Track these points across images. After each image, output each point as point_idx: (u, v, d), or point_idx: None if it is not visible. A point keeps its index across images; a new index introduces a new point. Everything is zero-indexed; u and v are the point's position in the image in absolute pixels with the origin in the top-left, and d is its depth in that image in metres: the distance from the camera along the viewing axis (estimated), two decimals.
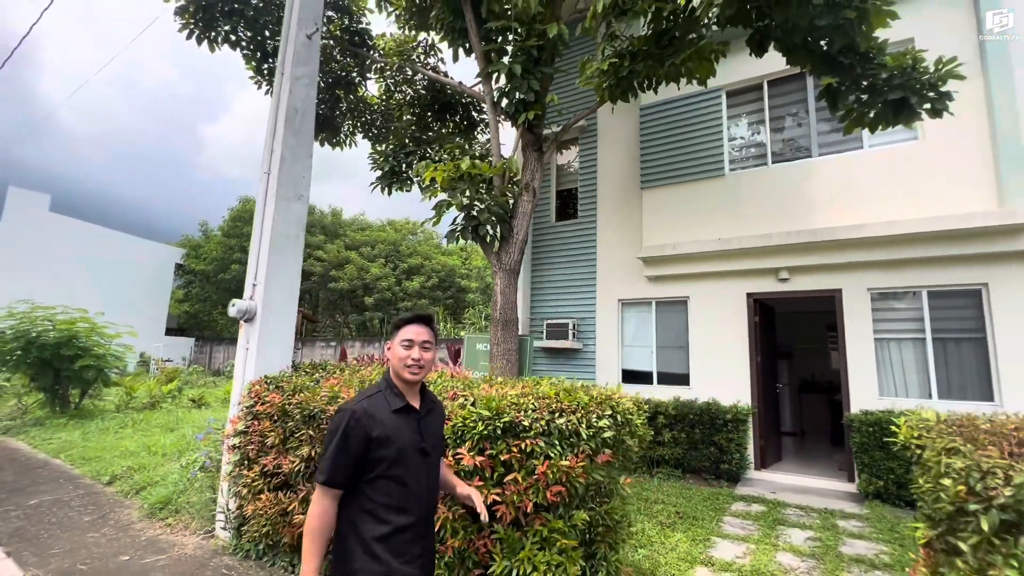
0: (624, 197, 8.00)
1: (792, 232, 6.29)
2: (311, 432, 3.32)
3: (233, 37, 6.65)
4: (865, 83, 4.45)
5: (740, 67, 6.84)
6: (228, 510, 3.91)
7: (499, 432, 2.53)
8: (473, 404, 2.68)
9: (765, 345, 7.09)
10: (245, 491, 3.64)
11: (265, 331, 4.24)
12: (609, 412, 2.72)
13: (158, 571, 3.47)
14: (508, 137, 13.86)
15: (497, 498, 2.49)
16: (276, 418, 3.56)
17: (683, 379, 7.14)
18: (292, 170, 4.57)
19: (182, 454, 6.05)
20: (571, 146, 8.95)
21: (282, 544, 3.51)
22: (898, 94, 4.21)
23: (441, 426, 1.94)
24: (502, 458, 2.51)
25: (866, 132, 5.59)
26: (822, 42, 4.23)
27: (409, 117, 8.17)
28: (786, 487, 5.97)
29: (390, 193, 6.95)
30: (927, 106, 4.28)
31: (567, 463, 2.44)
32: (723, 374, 6.78)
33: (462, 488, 2.05)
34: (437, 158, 7.07)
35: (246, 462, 3.71)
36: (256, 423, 3.69)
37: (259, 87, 7.39)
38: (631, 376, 7.66)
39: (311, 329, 24.31)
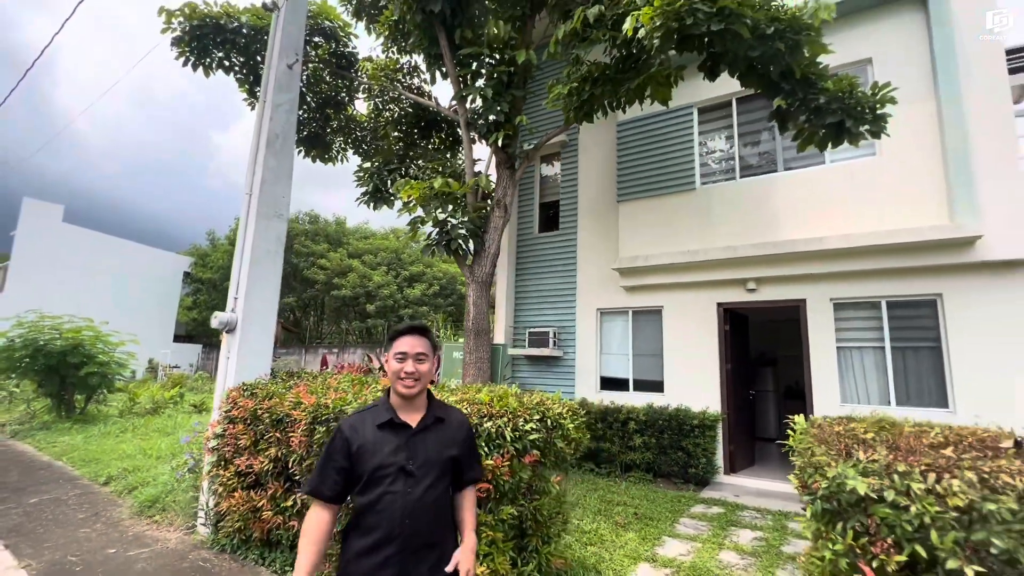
0: (603, 209, 8.28)
1: (758, 244, 6.53)
2: (278, 435, 3.62)
3: (227, 63, 7.06)
4: (812, 105, 4.71)
5: (710, 86, 7.07)
6: (207, 507, 4.22)
7: None
8: None
9: (736, 353, 7.31)
10: (221, 489, 3.95)
11: (245, 341, 4.57)
12: (538, 417, 2.99)
13: (141, 562, 3.78)
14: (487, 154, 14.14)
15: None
16: (249, 422, 3.87)
17: (658, 386, 7.37)
18: (273, 190, 4.91)
19: (175, 456, 6.37)
20: (554, 160, 9.26)
21: (253, 538, 3.81)
22: (837, 117, 4.47)
23: (446, 446, 1.71)
24: None
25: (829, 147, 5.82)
26: (762, 68, 4.50)
27: (397, 134, 8.54)
28: (752, 491, 6.17)
29: (375, 209, 7.31)
30: (865, 127, 4.52)
31: (492, 462, 2.72)
32: (695, 381, 7.01)
33: (465, 536, 1.76)
34: (420, 175, 7.42)
35: (223, 462, 4.03)
36: (232, 427, 4.00)
37: (252, 108, 7.81)
38: (609, 383, 7.89)
39: (292, 338, 24.85)
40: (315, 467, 1.68)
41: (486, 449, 2.75)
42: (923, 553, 1.60)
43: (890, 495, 1.68)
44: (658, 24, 3.90)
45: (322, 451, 1.69)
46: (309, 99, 8.01)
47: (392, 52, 7.51)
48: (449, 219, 5.67)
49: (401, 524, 1.57)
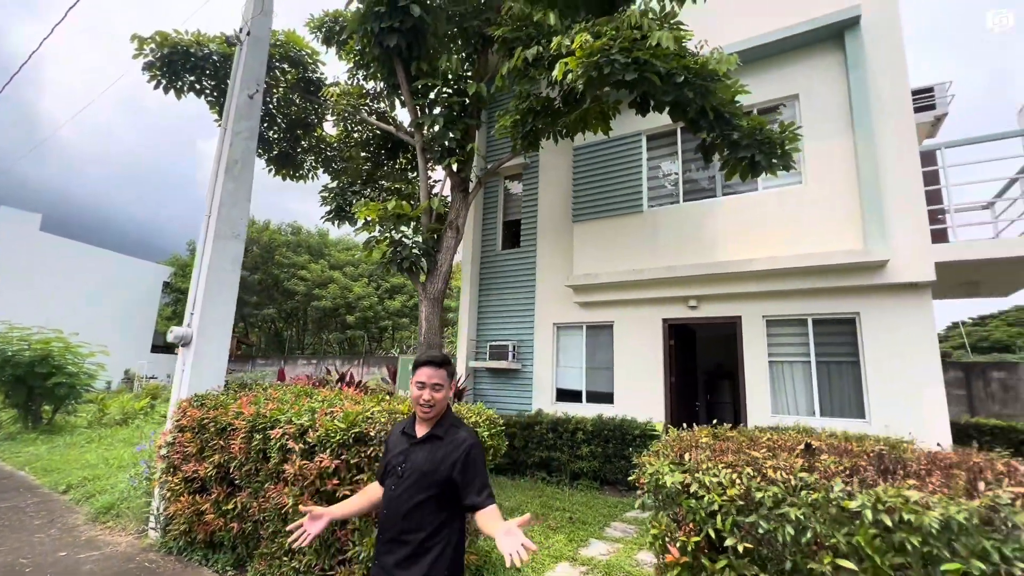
0: (560, 228, 8.70)
1: (697, 264, 6.97)
2: (222, 443, 3.90)
3: (198, 87, 7.38)
4: (729, 140, 5.17)
5: (658, 115, 7.59)
6: (158, 512, 4.47)
7: (351, 440, 3.14)
8: (337, 419, 3.28)
9: (682, 366, 7.72)
10: (169, 494, 4.20)
11: (199, 354, 4.85)
12: None
13: (89, 564, 4.01)
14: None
15: (349, 494, 3.09)
16: (196, 431, 4.15)
17: (608, 398, 7.74)
18: (230, 213, 5.23)
19: (135, 466, 6.57)
20: (518, 180, 9.69)
21: (197, 540, 4.07)
22: (749, 152, 4.93)
23: (434, 460, 1.85)
24: (353, 461, 3.11)
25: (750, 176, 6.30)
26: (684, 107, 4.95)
27: (365, 154, 8.90)
28: None
29: (339, 227, 7.66)
30: (774, 161, 4.99)
31: None
32: (642, 393, 7.39)
33: (500, 529, 1.65)
34: (377, 197, 7.78)
35: (172, 469, 4.29)
36: (181, 435, 4.27)
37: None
38: (565, 395, 8.24)
39: (247, 352, 25.03)
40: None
41: None
42: (712, 534, 1.97)
43: (693, 488, 2.05)
44: (580, 72, 4.33)
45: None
46: (279, 120, 8.36)
47: (358, 79, 7.92)
48: (404, 239, 6.02)
49: (386, 516, 1.87)
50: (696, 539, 2.00)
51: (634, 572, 4.04)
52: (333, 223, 7.80)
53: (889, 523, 1.65)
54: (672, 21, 5.71)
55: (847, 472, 2.01)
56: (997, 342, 31.80)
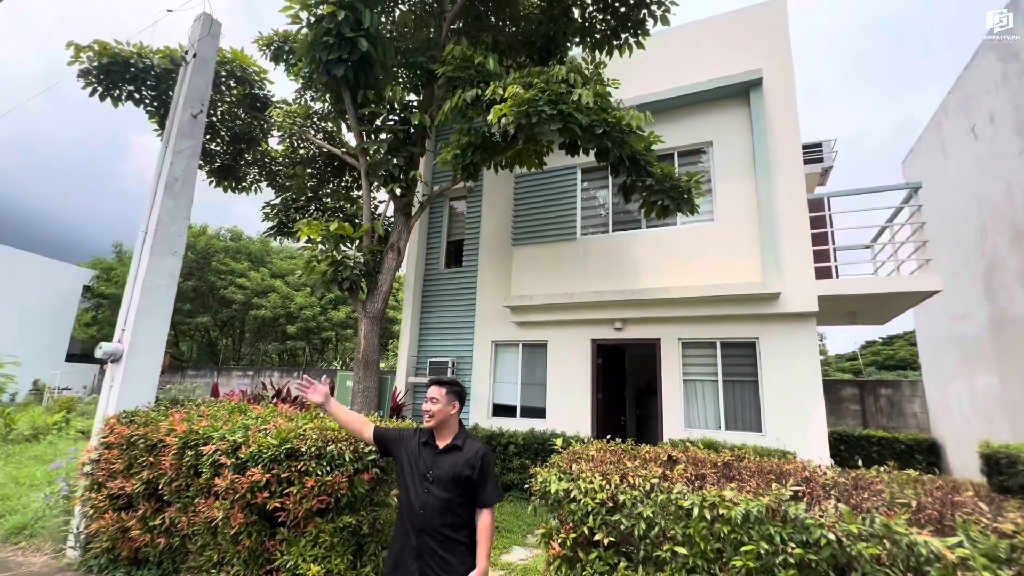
0: (501, 251, 9.15)
1: (622, 290, 7.60)
2: (151, 459, 3.99)
3: (137, 96, 7.29)
4: (645, 183, 5.81)
5: None
6: (78, 531, 4.42)
7: (283, 456, 3.37)
8: (269, 436, 3.50)
9: (609, 383, 8.31)
10: (92, 512, 4.20)
11: (130, 370, 4.86)
12: None
13: None
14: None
15: (280, 507, 3.31)
16: (124, 447, 4.19)
17: (541, 412, 8.20)
18: (169, 230, 5.29)
19: (51, 484, 6.31)
20: (463, 200, 10.09)
21: (121, 557, 4.10)
22: (659, 197, 5.57)
23: (459, 466, 2.28)
24: (284, 475, 3.34)
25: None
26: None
27: (310, 171, 9.01)
28: None
29: (280, 243, 7.72)
30: (680, 206, 5.66)
31: (331, 479, 3.31)
32: (571, 408, 7.90)
33: (479, 561, 2.22)
34: (320, 217, 7.93)
35: (96, 486, 4.29)
36: (107, 452, 4.29)
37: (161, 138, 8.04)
38: (501, 410, 8.62)
39: (178, 366, 24.11)
40: (394, 428, 2.75)
41: (328, 468, 3.34)
42: (586, 531, 2.40)
43: (574, 493, 2.48)
44: (512, 119, 4.81)
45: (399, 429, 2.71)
46: (223, 133, 8.33)
47: (306, 99, 8.08)
48: (345, 259, 6.24)
49: (415, 515, 2.26)
50: (574, 535, 2.43)
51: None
52: (275, 238, 7.85)
53: (708, 516, 2.14)
54: (601, 71, 6.39)
55: (695, 478, 2.52)
56: (902, 360, 35.34)
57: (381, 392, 6.66)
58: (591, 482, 2.49)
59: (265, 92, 8.09)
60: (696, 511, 2.17)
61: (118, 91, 7.15)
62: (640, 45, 6.73)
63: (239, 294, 24.02)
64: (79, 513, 4.48)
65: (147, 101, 7.46)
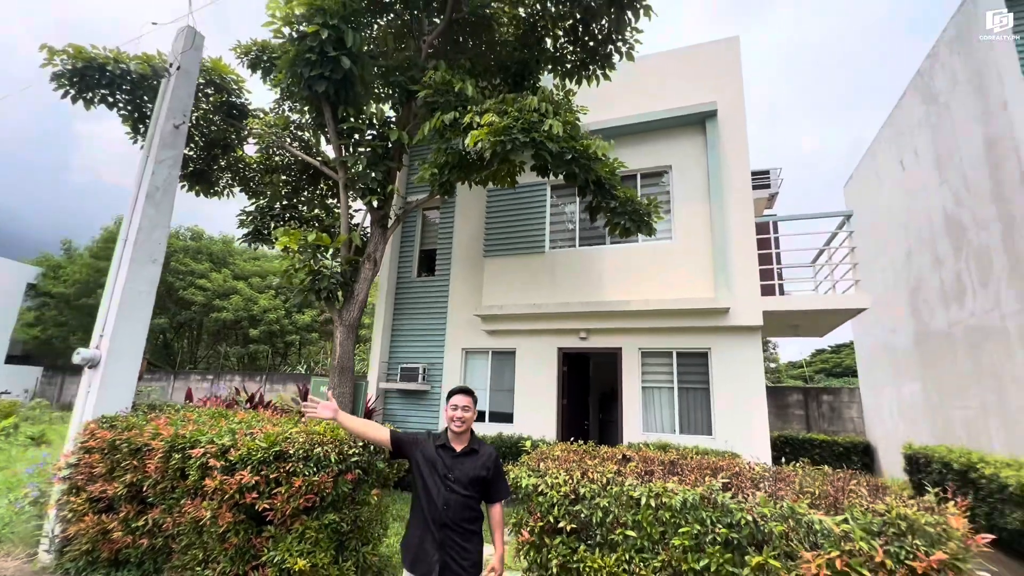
0: (473, 261, 9.50)
1: (587, 302, 8.08)
2: (135, 463, 4.12)
3: (110, 99, 7.27)
4: (609, 206, 6.29)
5: None
6: (53, 535, 4.48)
7: (272, 458, 3.61)
8: (258, 439, 3.73)
9: (573, 390, 8.76)
10: (71, 515, 4.28)
11: (108, 376, 4.93)
12: (362, 444, 3.91)
13: None
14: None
15: (268, 506, 3.55)
16: (106, 451, 4.30)
17: (509, 417, 8.56)
18: (150, 237, 5.39)
19: (12, 490, 6.21)
20: (436, 211, 10.38)
21: (101, 559, 4.20)
22: (622, 219, 6.06)
23: (477, 468, 2.60)
24: (272, 476, 3.58)
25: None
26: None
27: (285, 178, 9.12)
28: None
29: (256, 249, 7.77)
30: (641, 227, 6.17)
31: (317, 479, 3.57)
32: (538, 413, 8.29)
33: (496, 547, 2.57)
34: (297, 224, 8.08)
35: (75, 490, 4.37)
36: (88, 456, 4.38)
37: (135, 142, 8.01)
38: None
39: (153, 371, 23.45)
40: (408, 432, 2.92)
41: (314, 468, 3.60)
42: (552, 520, 2.78)
43: (541, 487, 2.86)
44: (488, 144, 5.19)
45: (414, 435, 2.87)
46: (197, 138, 8.35)
47: (284, 109, 8.22)
48: (322, 269, 6.45)
49: (437, 512, 2.51)
50: (541, 524, 2.81)
51: (515, 566, 4.80)
52: (250, 245, 7.93)
53: (654, 504, 2.56)
54: (571, 98, 6.86)
55: (645, 473, 2.94)
56: (848, 368, 37.54)
57: (356, 398, 6.86)
58: (557, 477, 2.87)
59: (242, 100, 8.18)
60: (644, 500, 2.59)
61: (91, 94, 7.12)
62: (607, 77, 7.24)
63: (199, 295, 23.37)
64: (54, 517, 4.53)
65: (120, 105, 7.44)
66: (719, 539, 2.39)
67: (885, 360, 11.70)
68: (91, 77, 6.82)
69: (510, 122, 5.21)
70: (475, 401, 2.80)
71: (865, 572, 2.10)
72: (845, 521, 2.24)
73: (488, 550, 2.61)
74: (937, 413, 9.11)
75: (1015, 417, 6.90)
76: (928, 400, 9.47)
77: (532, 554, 2.83)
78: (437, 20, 8.00)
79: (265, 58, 8.29)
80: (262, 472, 3.59)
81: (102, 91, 7.17)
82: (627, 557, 2.58)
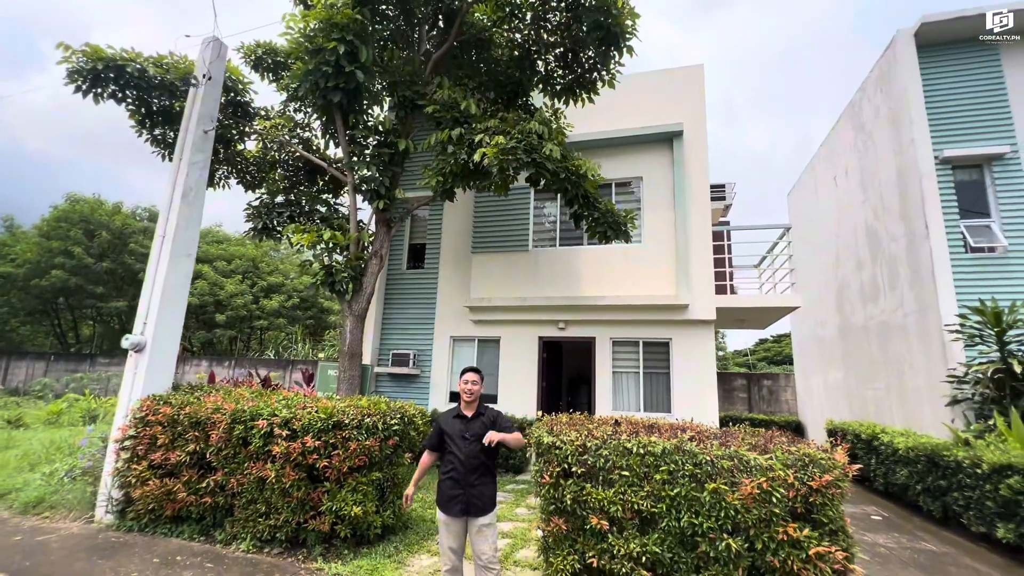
0: (460, 256, 10.31)
1: (566, 297, 9.09)
2: (196, 433, 4.80)
3: (119, 95, 7.55)
4: (592, 216, 7.27)
5: None
6: (111, 498, 5.08)
7: (330, 426, 4.40)
8: (316, 412, 4.51)
9: (550, 374, 9.80)
10: (134, 480, 4.90)
11: (152, 359, 5.51)
12: (399, 416, 4.75)
13: (55, 543, 4.57)
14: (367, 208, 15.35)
15: (326, 465, 4.35)
16: (166, 425, 4.94)
17: (493, 399, 9.50)
18: (185, 234, 5.93)
19: (35, 467, 6.64)
20: (426, 208, 11.07)
21: (163, 517, 4.86)
22: (602, 227, 7.07)
23: (483, 425, 3.42)
24: (331, 441, 4.38)
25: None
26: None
27: (283, 172, 9.58)
28: None
29: (261, 242, 8.26)
30: (618, 235, 7.19)
31: (369, 443, 4.40)
32: (520, 394, 9.29)
33: (512, 437, 3.38)
34: (305, 214, 8.64)
35: (135, 458, 4.99)
36: (147, 429, 5.00)
37: (139, 135, 8.30)
38: (457, 396, 9.78)
39: (186, 357, 23.03)
40: (428, 437, 3.63)
41: (365, 435, 4.42)
42: (565, 467, 3.76)
43: (557, 443, 3.83)
44: (495, 161, 6.03)
45: (430, 428, 3.69)
46: None
47: (290, 109, 8.70)
48: (334, 265, 7.12)
49: (460, 461, 3.33)
50: (557, 470, 3.77)
51: (514, 517, 5.80)
52: (258, 240, 8.41)
53: (641, 452, 3.58)
54: (560, 116, 7.77)
55: (632, 433, 3.95)
56: (787, 356, 40.83)
57: (363, 380, 7.59)
58: (569, 435, 3.85)
59: (247, 99, 8.59)
60: (635, 449, 3.60)
61: (101, 89, 7.41)
62: (591, 100, 8.17)
63: None
64: (110, 483, 5.12)
65: (129, 101, 7.74)
66: (687, 474, 3.43)
67: (815, 350, 13.43)
68: (106, 75, 7.12)
69: (514, 143, 6.07)
70: (482, 377, 3.63)
71: (781, 489, 3.19)
72: (771, 458, 3.32)
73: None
74: (854, 394, 10.78)
75: (910, 396, 8.48)
76: (848, 384, 11.14)
77: (550, 492, 3.80)
78: (435, 32, 8.68)
79: (268, 61, 8.74)
80: (322, 438, 4.39)
81: (112, 88, 7.46)
82: (622, 490, 3.58)
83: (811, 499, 3.21)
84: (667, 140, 9.23)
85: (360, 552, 4.42)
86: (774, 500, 3.20)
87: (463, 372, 3.62)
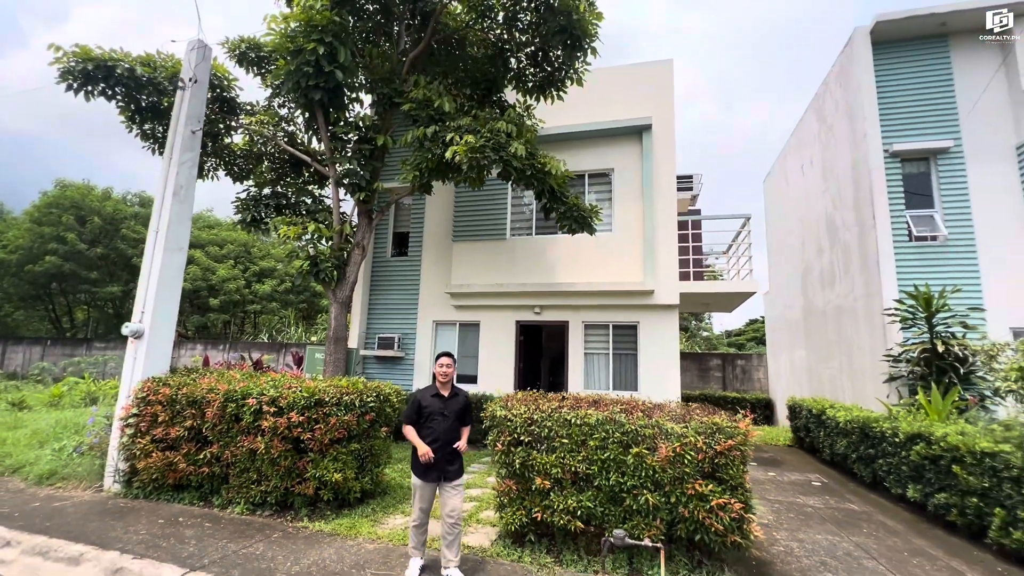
0: (442, 244, 10.79)
1: (541, 283, 9.63)
2: (193, 411, 5.35)
3: (109, 92, 7.89)
4: (560, 209, 7.76)
5: None
6: (118, 470, 5.65)
7: (313, 404, 4.96)
8: (300, 391, 5.06)
9: (528, 356, 10.39)
10: (138, 453, 5.47)
11: (151, 345, 6.03)
12: (375, 394, 5.32)
13: (70, 508, 5.15)
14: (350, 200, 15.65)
15: (309, 437, 4.92)
16: (165, 404, 5.48)
17: (473, 379, 10.11)
18: (177, 230, 6.39)
19: (44, 444, 7.19)
20: (409, 197, 11.50)
21: (165, 486, 5.44)
22: (569, 221, 7.57)
23: (459, 404, 3.97)
24: (313, 417, 4.94)
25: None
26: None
27: (269, 164, 9.97)
28: None
29: (250, 233, 8.70)
30: (584, 228, 7.70)
31: (347, 418, 4.97)
32: (498, 375, 9.89)
33: (462, 438, 3.98)
34: (292, 206, 9.09)
35: (139, 434, 5.54)
36: (148, 408, 5.54)
37: (130, 131, 8.65)
38: None
39: (180, 342, 23.55)
40: (406, 411, 4.03)
41: (344, 411, 4.98)
42: (515, 436, 4.34)
43: (508, 416, 4.40)
44: (465, 158, 6.49)
45: (408, 405, 4.06)
46: None
47: (274, 105, 9.06)
48: (320, 255, 7.61)
49: (439, 436, 3.82)
50: (508, 439, 4.36)
51: (484, 484, 6.43)
52: (247, 231, 8.85)
53: (578, 423, 4.16)
54: (531, 113, 8.19)
55: (575, 406, 4.53)
56: (762, 339, 41.89)
57: (348, 363, 8.14)
58: (519, 409, 4.43)
59: (233, 95, 8.94)
60: (573, 420, 4.19)
61: (91, 87, 7.75)
62: (560, 98, 8.58)
63: None
64: (116, 456, 5.68)
65: (118, 98, 8.09)
66: (616, 440, 4.02)
67: (784, 331, 14.11)
68: (96, 75, 7.46)
69: (483, 142, 6.52)
70: (455, 361, 4.23)
71: (692, 452, 3.79)
72: (686, 427, 3.92)
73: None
74: (813, 373, 11.47)
75: (858, 375, 9.15)
76: (809, 363, 11.83)
77: (503, 458, 4.39)
78: (412, 29, 9.01)
79: (252, 55, 9.06)
80: (305, 414, 4.95)
81: (101, 85, 7.81)
82: (562, 456, 4.17)
83: (717, 460, 3.81)
84: (637, 133, 9.67)
85: (341, 513, 5.03)
86: (686, 461, 3.80)
87: (438, 356, 4.11)
